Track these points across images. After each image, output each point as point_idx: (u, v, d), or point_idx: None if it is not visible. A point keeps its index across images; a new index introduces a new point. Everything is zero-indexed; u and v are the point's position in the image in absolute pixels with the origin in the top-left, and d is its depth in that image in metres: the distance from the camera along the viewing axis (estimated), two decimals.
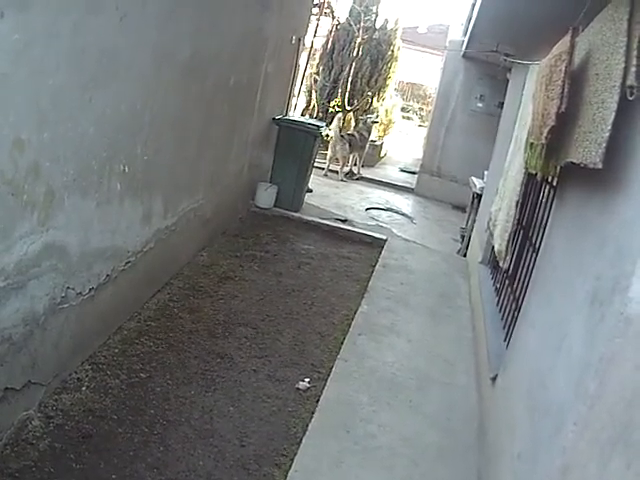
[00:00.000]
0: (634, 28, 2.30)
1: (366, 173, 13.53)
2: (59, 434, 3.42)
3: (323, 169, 12.66)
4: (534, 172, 3.86)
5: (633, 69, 2.19)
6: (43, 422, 3.48)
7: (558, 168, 3.46)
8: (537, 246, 4.14)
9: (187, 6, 4.66)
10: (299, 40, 8.96)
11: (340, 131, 12.67)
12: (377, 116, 13.71)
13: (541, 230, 4.13)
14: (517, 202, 4.80)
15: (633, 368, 1.86)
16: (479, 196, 8.55)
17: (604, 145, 2.26)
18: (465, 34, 10.10)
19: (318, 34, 13.15)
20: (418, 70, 30.12)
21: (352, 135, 12.97)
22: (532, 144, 3.75)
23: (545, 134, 3.06)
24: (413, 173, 14.35)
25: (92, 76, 3.45)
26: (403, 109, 26.83)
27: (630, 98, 2.18)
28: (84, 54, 3.30)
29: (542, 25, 4.40)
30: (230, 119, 6.67)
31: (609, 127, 2.26)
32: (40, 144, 3.08)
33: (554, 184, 4.02)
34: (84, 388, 3.87)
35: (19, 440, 3.29)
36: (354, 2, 15.45)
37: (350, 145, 12.62)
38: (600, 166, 2.27)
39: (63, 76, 3.15)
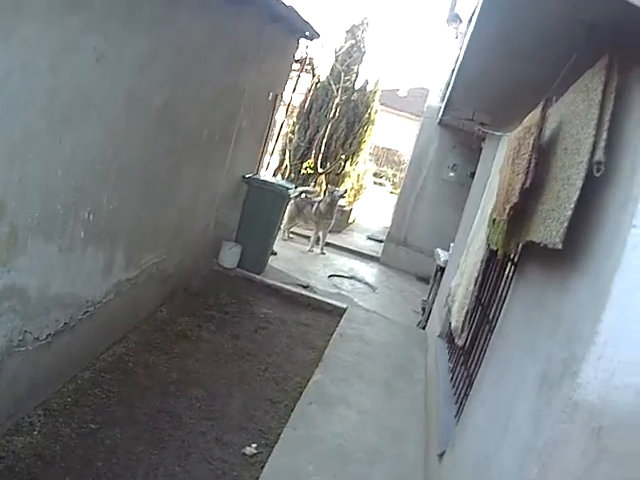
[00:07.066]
0: (607, 99, 2.27)
1: (333, 239, 13.54)
2: (8, 475, 3.60)
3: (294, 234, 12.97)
4: (495, 249, 3.80)
5: (602, 143, 2.17)
6: None
7: (520, 246, 3.32)
8: (494, 324, 4.14)
9: (165, 54, 4.87)
10: (276, 97, 9.19)
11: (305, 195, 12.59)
12: (345, 191, 13.42)
13: (500, 308, 4.13)
14: (476, 278, 4.89)
15: (579, 454, 1.99)
16: (442, 269, 8.72)
17: (565, 225, 2.24)
18: (442, 100, 10.18)
19: (298, 91, 13.38)
20: (395, 135, 30.38)
21: (312, 203, 12.76)
22: (495, 220, 3.73)
23: (507, 210, 3.06)
24: (380, 241, 14.47)
25: (64, 116, 3.64)
26: (376, 175, 27.20)
27: (597, 175, 2.16)
28: (57, 93, 3.50)
29: (519, 94, 4.43)
30: (200, 174, 6.87)
31: (572, 205, 2.24)
32: (8, 182, 3.26)
33: (516, 261, 3.97)
34: (36, 432, 4.06)
35: None
36: (336, 61, 15.72)
37: (297, 208, 12.51)
38: (560, 247, 2.26)
39: (35, 114, 3.35)
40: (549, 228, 2.42)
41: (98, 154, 4.25)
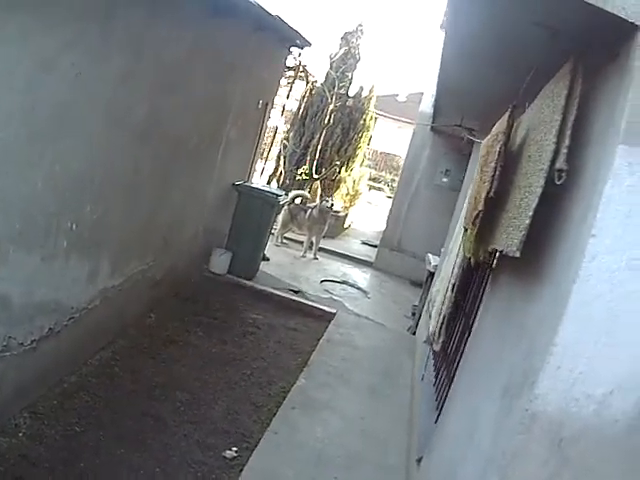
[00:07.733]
0: (571, 105, 2.23)
1: (327, 244, 13.54)
2: None
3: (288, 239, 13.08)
4: (468, 256, 3.78)
5: (564, 150, 2.13)
6: None
7: (496, 254, 3.34)
8: (471, 331, 4.14)
9: (146, 66, 4.97)
10: (266, 105, 9.29)
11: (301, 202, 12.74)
12: (332, 205, 13.12)
13: (476, 316, 4.12)
14: (454, 285, 4.91)
15: (539, 465, 2.01)
16: (433, 274, 8.74)
17: (524, 233, 2.23)
18: (433, 106, 10.31)
19: (293, 97, 13.43)
20: (394, 140, 30.47)
21: (305, 209, 12.86)
22: (465, 228, 3.75)
23: (473, 219, 3.07)
24: (375, 246, 14.43)
25: (43, 131, 3.75)
26: (375, 179, 27.36)
27: (558, 182, 2.12)
28: (37, 108, 3.61)
29: (494, 101, 4.40)
30: (188, 182, 6.96)
31: (530, 213, 2.22)
32: None
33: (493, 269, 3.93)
34: (21, 434, 4.18)
35: None
36: (331, 67, 15.81)
37: (291, 214, 12.62)
38: (518, 255, 2.25)
39: (14, 129, 3.47)
40: (510, 236, 2.41)
41: (80, 166, 4.35)
